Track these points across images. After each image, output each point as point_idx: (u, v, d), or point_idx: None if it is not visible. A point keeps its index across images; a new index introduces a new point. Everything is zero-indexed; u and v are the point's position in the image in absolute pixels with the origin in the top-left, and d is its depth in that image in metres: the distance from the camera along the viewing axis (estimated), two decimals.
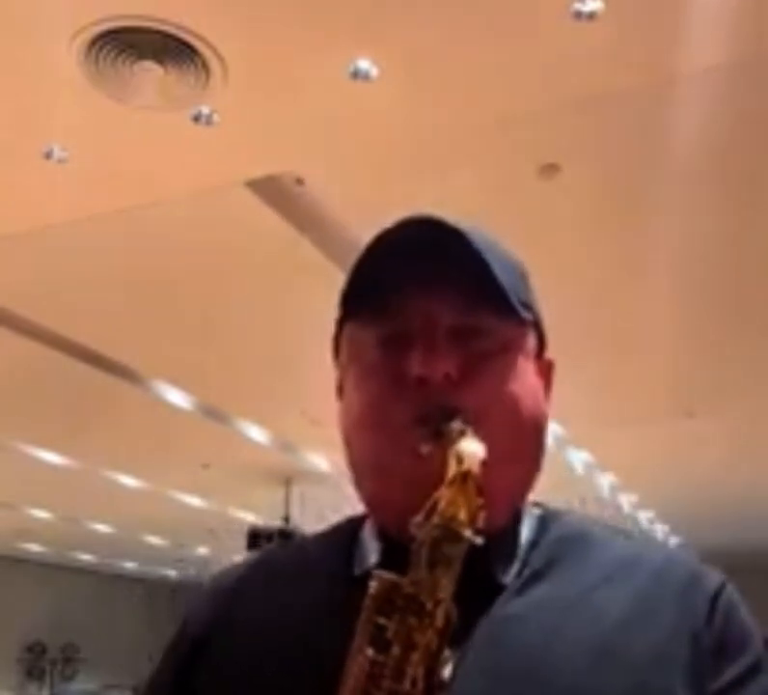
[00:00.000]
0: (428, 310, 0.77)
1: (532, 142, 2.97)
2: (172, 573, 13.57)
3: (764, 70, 2.55)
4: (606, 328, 4.45)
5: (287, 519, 7.81)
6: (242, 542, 7.66)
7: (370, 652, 0.63)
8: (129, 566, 13.37)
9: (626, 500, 8.41)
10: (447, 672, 0.64)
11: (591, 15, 2.25)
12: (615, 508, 8.19)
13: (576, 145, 3.00)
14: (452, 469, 0.66)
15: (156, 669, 0.87)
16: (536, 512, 0.85)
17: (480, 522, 0.65)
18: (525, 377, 0.80)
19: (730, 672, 0.72)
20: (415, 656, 0.62)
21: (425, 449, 0.71)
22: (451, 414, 0.72)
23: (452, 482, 0.65)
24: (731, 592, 0.78)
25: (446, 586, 0.63)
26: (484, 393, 0.76)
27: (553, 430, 5.98)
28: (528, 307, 0.82)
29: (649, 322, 4.35)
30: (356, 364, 0.81)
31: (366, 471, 0.79)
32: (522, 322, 0.81)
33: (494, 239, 0.82)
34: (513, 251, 0.85)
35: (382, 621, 0.63)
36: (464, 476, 0.65)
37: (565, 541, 0.81)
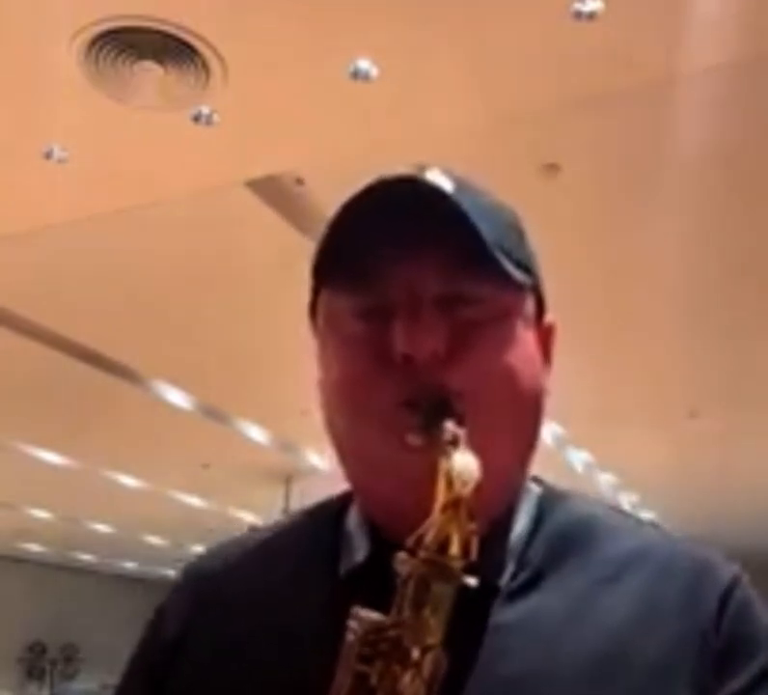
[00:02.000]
0: (411, 277, 0.70)
1: (532, 142, 2.97)
2: (172, 573, 13.52)
3: (764, 70, 2.55)
4: (606, 328, 4.45)
5: None
6: None
7: None
8: (129, 566, 13.38)
9: (626, 500, 8.41)
10: None
11: (591, 15, 2.25)
12: None
13: (576, 145, 3.00)
14: (442, 493, 0.59)
15: (128, 669, 0.82)
16: (536, 490, 0.78)
17: (474, 554, 0.58)
18: (522, 348, 0.72)
19: (739, 680, 0.66)
20: None
21: (413, 440, 0.66)
22: (440, 402, 0.66)
23: (445, 508, 0.58)
24: (745, 587, 0.71)
25: (435, 630, 0.57)
26: (476, 369, 0.69)
27: (553, 429, 5.97)
28: (524, 267, 0.73)
29: (650, 322, 4.35)
30: (335, 334, 0.75)
31: (351, 457, 0.75)
32: (518, 287, 0.72)
33: (482, 190, 0.74)
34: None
35: (362, 668, 0.57)
36: (456, 502, 0.58)
37: (567, 533, 0.74)
